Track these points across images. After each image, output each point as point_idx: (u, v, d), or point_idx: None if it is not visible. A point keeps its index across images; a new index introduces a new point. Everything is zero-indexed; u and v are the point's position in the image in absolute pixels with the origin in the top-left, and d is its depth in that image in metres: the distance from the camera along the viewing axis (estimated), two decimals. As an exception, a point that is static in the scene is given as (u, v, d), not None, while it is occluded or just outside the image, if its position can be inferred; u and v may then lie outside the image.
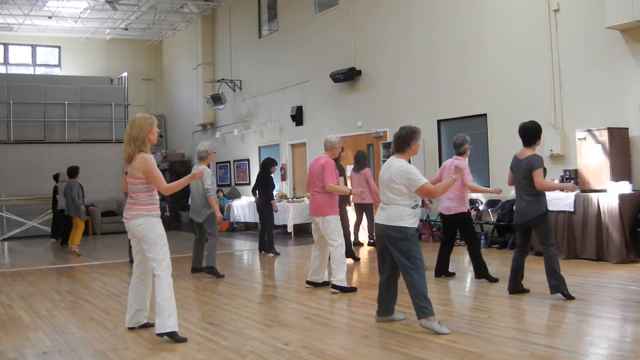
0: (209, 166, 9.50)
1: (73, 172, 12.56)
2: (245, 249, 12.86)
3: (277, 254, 10.97)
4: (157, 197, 5.36)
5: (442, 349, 4.55)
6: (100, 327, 5.72)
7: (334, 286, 7.06)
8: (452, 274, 7.80)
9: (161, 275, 5.17)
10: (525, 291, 6.46)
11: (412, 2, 12.41)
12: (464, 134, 7.79)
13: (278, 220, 14.34)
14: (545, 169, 6.37)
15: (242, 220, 16.34)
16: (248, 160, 18.10)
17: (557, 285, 6.10)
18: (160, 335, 5.06)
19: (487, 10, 10.94)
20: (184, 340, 5.07)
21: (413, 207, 5.26)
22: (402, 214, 5.20)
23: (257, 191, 11.33)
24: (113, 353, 4.81)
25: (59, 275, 9.54)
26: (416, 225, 5.30)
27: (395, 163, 5.30)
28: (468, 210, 7.67)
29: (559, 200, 9.00)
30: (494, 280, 7.29)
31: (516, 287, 6.46)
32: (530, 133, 6.38)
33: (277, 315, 6.11)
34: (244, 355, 4.62)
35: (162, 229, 5.26)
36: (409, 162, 5.36)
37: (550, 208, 8.94)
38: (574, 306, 5.86)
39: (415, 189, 5.16)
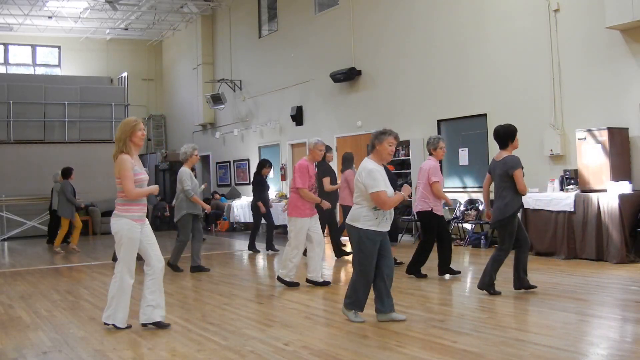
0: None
1: (66, 172, 12.66)
2: (245, 249, 12.86)
3: (256, 251, 11.49)
4: (140, 199, 5.53)
5: (442, 349, 4.55)
6: (100, 327, 5.72)
7: (279, 278, 7.59)
8: (457, 272, 7.81)
9: (115, 274, 5.55)
10: (532, 287, 6.48)
11: (412, 2, 12.41)
12: (438, 135, 8.06)
13: (278, 220, 14.34)
14: (522, 168, 6.43)
15: (242, 220, 16.35)
16: (248, 160, 18.10)
17: (489, 284, 6.41)
18: (106, 324, 5.50)
19: (487, 11, 10.95)
20: (127, 327, 5.47)
21: (375, 209, 5.24)
22: (359, 215, 5.27)
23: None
24: (113, 353, 4.81)
25: (59, 275, 9.54)
26: (376, 229, 5.25)
27: (364, 163, 5.43)
28: (432, 209, 7.67)
29: (559, 200, 9.01)
30: (421, 276, 7.71)
31: (518, 283, 6.51)
32: (499, 136, 6.61)
33: (277, 315, 6.10)
34: (244, 355, 4.62)
35: (131, 232, 5.43)
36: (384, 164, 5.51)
37: (550, 208, 9.04)
38: (574, 306, 5.86)
39: (370, 192, 5.19)
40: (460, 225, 11.24)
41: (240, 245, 13.51)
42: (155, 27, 20.79)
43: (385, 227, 5.34)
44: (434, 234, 7.82)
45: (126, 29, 21.00)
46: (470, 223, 10.96)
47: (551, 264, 8.47)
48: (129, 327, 5.49)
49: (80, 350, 4.94)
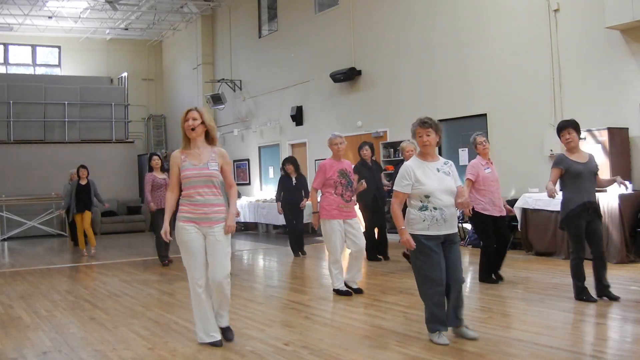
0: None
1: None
2: (245, 249, 12.87)
3: (301, 254, 10.76)
4: (189, 198, 4.82)
5: (442, 349, 4.55)
6: (100, 327, 5.72)
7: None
8: (497, 280, 7.28)
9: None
10: (614, 298, 6.01)
11: (412, 2, 12.41)
12: (476, 132, 7.55)
13: (279, 220, 14.32)
14: (562, 169, 6.07)
15: (242, 221, 16.35)
16: (248, 160, 18.10)
17: (601, 289, 6.00)
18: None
19: (487, 10, 10.94)
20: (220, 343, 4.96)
21: (420, 209, 4.67)
22: (408, 219, 4.71)
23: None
24: (113, 353, 4.81)
25: (59, 275, 9.54)
26: (428, 232, 4.63)
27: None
28: (475, 209, 7.10)
29: (559, 200, 8.98)
30: (492, 281, 7.16)
31: (601, 290, 6.10)
32: None
33: (277, 315, 6.10)
34: (244, 355, 4.62)
35: (183, 234, 4.80)
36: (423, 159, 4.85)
37: (550, 208, 9.03)
38: (574, 306, 5.86)
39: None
40: (460, 225, 11.24)
41: (240, 245, 13.52)
42: (155, 27, 20.78)
43: (441, 230, 4.65)
44: (487, 235, 7.15)
45: (126, 29, 20.99)
46: (471, 223, 10.95)
47: (551, 264, 8.47)
48: (215, 342, 4.89)
49: (80, 350, 4.94)
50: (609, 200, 8.41)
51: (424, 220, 4.64)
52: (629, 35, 8.82)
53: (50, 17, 18.89)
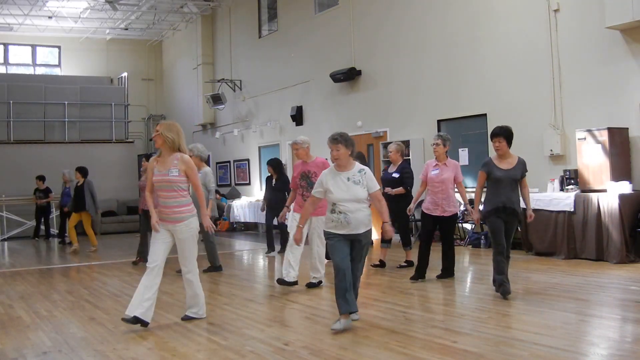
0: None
1: None
2: (245, 249, 12.87)
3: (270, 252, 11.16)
4: (158, 200, 5.63)
5: (442, 349, 4.55)
6: (100, 327, 5.72)
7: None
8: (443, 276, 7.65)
9: None
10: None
11: (412, 2, 12.41)
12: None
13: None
14: (485, 172, 6.52)
15: (242, 220, 16.35)
16: (248, 160, 18.10)
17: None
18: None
19: (487, 11, 10.94)
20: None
21: (331, 212, 5.32)
22: (325, 218, 5.47)
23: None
24: (113, 353, 4.81)
25: (59, 275, 9.54)
26: (334, 231, 5.28)
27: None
28: (422, 210, 7.73)
29: (559, 200, 9.01)
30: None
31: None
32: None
33: (277, 315, 6.11)
34: (244, 355, 4.62)
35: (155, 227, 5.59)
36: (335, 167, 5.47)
37: (550, 208, 9.05)
38: (574, 306, 5.86)
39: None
40: (460, 225, 11.24)
41: (240, 245, 13.52)
42: (155, 27, 20.78)
43: (344, 230, 5.30)
44: (424, 234, 7.79)
45: (126, 29, 20.98)
46: (470, 223, 10.96)
47: (551, 264, 8.47)
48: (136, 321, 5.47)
49: (80, 350, 4.94)
50: (609, 200, 8.41)
51: (332, 221, 5.31)
52: (629, 35, 8.82)
53: (50, 17, 18.89)
